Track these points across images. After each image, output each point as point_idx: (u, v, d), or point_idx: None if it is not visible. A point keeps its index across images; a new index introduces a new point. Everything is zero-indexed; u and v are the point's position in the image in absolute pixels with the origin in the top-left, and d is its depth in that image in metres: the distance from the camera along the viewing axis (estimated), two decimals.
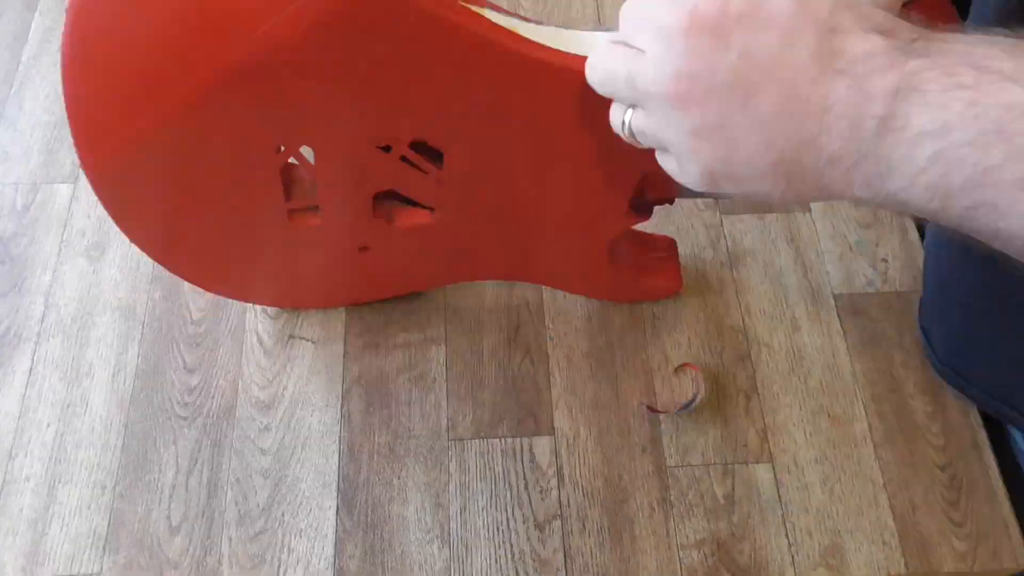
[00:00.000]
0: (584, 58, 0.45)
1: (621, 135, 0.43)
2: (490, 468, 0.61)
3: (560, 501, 0.60)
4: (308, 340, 0.65)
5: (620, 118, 0.42)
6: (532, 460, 0.61)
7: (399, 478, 0.61)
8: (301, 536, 0.58)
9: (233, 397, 0.63)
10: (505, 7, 0.80)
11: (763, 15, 0.35)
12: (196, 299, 0.67)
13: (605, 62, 0.42)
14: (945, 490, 0.61)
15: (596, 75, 0.43)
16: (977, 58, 0.34)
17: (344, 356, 0.65)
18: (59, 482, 0.60)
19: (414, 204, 0.57)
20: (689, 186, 0.41)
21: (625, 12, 0.40)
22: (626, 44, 0.40)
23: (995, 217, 0.34)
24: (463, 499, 0.60)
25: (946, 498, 0.60)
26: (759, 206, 0.71)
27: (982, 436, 0.62)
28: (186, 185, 0.54)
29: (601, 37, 0.44)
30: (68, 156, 0.73)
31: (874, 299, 0.68)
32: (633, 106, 0.41)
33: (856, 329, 0.66)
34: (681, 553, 0.58)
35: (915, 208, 0.36)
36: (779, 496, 0.60)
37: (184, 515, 0.59)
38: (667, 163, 0.42)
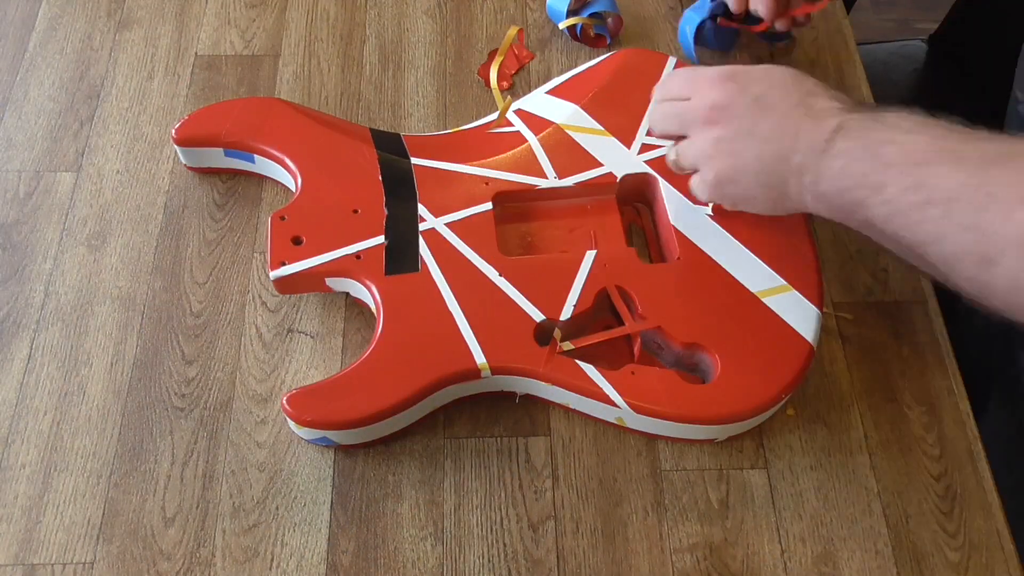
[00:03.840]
0: None
1: (671, 167, 0.64)
2: (485, 467, 0.61)
3: (554, 502, 0.60)
4: (307, 334, 0.65)
5: (670, 155, 0.63)
6: (527, 460, 0.61)
7: (394, 475, 0.61)
8: (295, 530, 0.58)
9: (231, 390, 0.63)
10: (511, 9, 0.81)
11: (770, 78, 0.59)
12: (196, 291, 0.67)
13: (661, 111, 0.63)
14: (939, 500, 0.61)
15: (657, 122, 0.64)
16: (881, 116, 0.54)
17: (342, 351, 0.65)
18: (55, 470, 0.60)
19: None
20: (702, 196, 0.62)
21: (675, 76, 0.64)
22: (675, 99, 0.62)
23: (863, 213, 0.54)
24: (457, 497, 0.60)
25: (940, 508, 0.60)
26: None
27: (978, 447, 0.62)
28: None
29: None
30: (71, 144, 0.73)
31: (874, 308, 0.68)
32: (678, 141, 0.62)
33: (855, 337, 0.66)
34: (674, 557, 0.58)
35: (830, 205, 0.56)
36: (773, 502, 0.60)
37: (179, 506, 0.59)
38: (693, 182, 0.62)
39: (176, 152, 0.72)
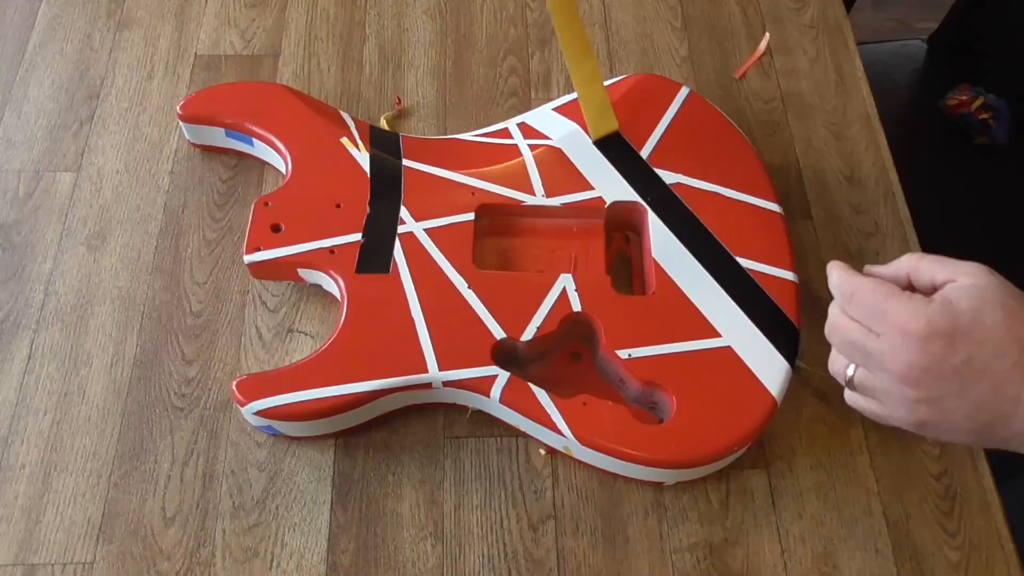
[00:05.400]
0: None
1: (836, 379, 0.54)
2: (485, 467, 0.61)
3: (554, 502, 0.60)
4: (306, 334, 0.65)
5: (844, 369, 0.53)
6: (527, 460, 0.61)
7: (394, 474, 0.61)
8: (295, 530, 0.58)
9: (231, 389, 0.63)
10: (511, 9, 0.81)
11: (982, 332, 0.48)
12: (196, 291, 0.67)
13: (843, 333, 0.52)
14: (939, 500, 0.61)
15: (835, 340, 0.53)
16: None
17: None
18: (54, 470, 0.60)
19: None
20: (889, 423, 0.53)
21: (861, 298, 0.51)
22: (861, 324, 0.51)
23: None
24: (457, 497, 0.60)
25: (940, 508, 0.60)
26: None
27: (978, 447, 0.62)
28: None
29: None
30: (71, 144, 0.73)
31: None
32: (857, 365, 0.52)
33: None
34: (674, 556, 0.58)
35: None
36: (773, 502, 0.60)
37: (179, 506, 0.59)
38: (865, 403, 0.53)
39: (175, 152, 0.72)
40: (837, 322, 0.53)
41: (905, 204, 0.73)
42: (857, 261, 0.70)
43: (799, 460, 0.62)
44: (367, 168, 0.67)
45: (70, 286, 0.67)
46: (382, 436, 0.62)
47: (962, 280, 0.50)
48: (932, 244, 0.72)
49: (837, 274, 0.53)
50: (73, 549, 0.57)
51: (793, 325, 0.61)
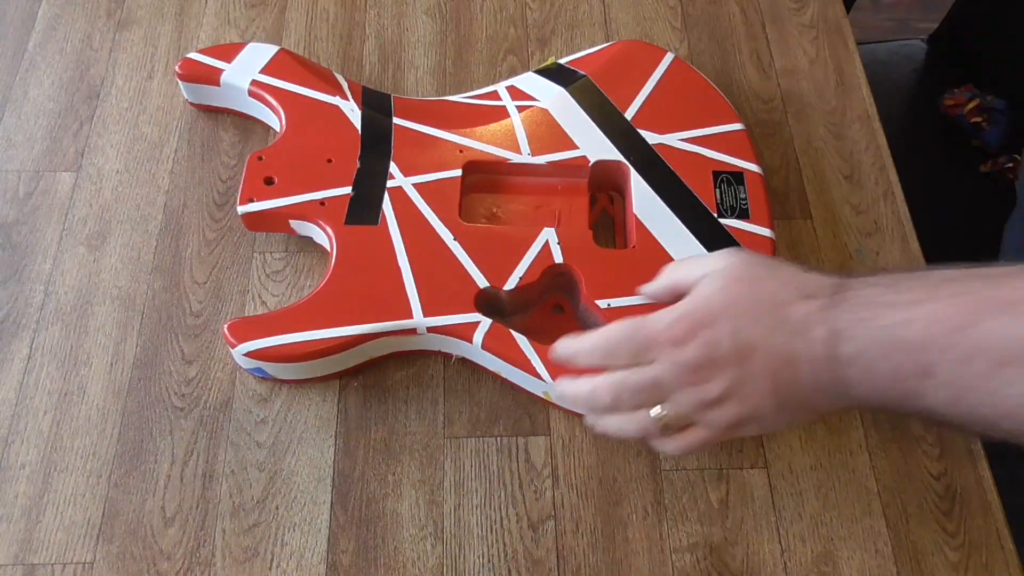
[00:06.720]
0: None
1: (653, 434, 0.52)
2: (485, 467, 0.61)
3: (554, 501, 0.60)
4: None
5: (647, 426, 0.52)
6: (527, 460, 0.61)
7: (394, 474, 0.61)
8: (295, 530, 0.58)
9: (230, 389, 0.63)
10: (511, 9, 0.81)
11: (733, 306, 0.50)
12: (196, 290, 0.67)
13: (623, 386, 0.52)
14: (939, 500, 0.61)
15: (623, 399, 0.52)
16: (870, 296, 0.48)
17: None
18: (54, 470, 0.60)
19: None
20: (705, 447, 0.53)
21: (617, 343, 0.52)
22: (632, 364, 0.51)
23: (920, 403, 0.46)
24: (457, 497, 0.60)
25: (940, 508, 0.60)
26: None
27: (977, 446, 0.62)
28: None
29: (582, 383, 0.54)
30: (71, 144, 0.73)
31: None
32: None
33: None
34: (674, 556, 0.58)
35: (871, 404, 0.49)
36: (773, 502, 0.60)
37: (179, 506, 0.59)
38: (692, 439, 0.52)
39: (175, 152, 0.72)
40: (611, 382, 0.52)
41: (905, 203, 0.73)
42: (856, 260, 0.70)
43: (799, 460, 0.62)
44: (358, 125, 0.69)
45: (70, 286, 0.67)
46: (382, 436, 0.62)
47: (708, 270, 0.51)
48: (932, 243, 0.72)
49: (582, 345, 0.53)
50: (73, 549, 0.57)
51: None
